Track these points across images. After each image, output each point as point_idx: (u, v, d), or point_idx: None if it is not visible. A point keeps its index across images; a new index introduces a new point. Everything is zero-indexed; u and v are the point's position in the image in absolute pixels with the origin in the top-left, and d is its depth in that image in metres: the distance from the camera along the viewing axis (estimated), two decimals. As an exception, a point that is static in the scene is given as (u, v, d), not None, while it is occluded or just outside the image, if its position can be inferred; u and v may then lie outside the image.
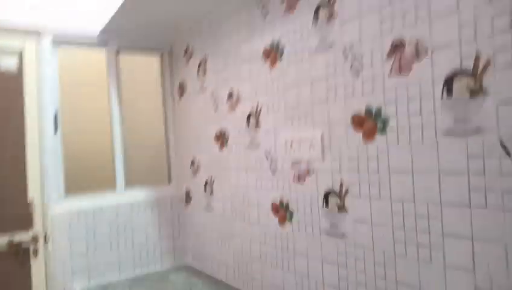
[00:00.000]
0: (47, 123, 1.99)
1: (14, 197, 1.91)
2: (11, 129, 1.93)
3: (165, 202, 2.28)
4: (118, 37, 2.20)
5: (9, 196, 1.91)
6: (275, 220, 1.59)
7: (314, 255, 1.40)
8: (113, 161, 2.21)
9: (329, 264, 1.34)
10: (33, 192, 1.95)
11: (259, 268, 1.69)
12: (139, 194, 2.22)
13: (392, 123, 1.11)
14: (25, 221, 1.93)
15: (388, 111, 1.12)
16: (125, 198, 2.17)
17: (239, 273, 1.82)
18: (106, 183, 2.20)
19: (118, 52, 2.23)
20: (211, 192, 2.04)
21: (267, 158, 1.62)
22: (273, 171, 1.59)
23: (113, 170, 2.21)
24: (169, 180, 2.38)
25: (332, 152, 1.31)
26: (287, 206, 1.52)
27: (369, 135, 1.19)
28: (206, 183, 2.08)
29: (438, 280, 1.01)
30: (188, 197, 2.29)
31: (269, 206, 1.62)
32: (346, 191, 1.26)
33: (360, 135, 1.21)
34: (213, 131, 2.00)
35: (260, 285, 1.69)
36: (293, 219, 1.50)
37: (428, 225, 1.03)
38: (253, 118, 1.70)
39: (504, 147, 0.86)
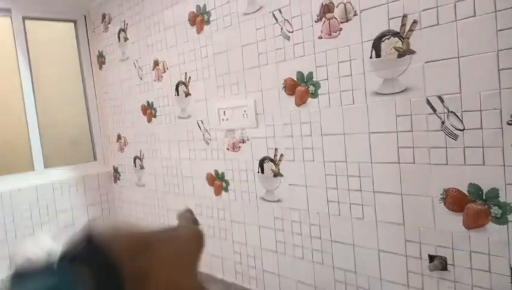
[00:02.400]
0: None
1: None
2: None
3: (91, 180, 2.14)
4: (23, 5, 1.95)
5: None
6: (210, 190, 1.57)
7: (251, 221, 1.41)
8: (28, 140, 2.00)
9: (267, 229, 1.35)
10: None
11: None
12: (61, 174, 2.06)
13: (323, 86, 1.12)
14: None
15: (319, 74, 1.12)
16: (46, 178, 2.00)
17: (176, 247, 1.79)
18: (23, 164, 2.00)
19: (24, 21, 1.98)
20: (141, 167, 1.95)
21: (199, 128, 1.57)
22: (207, 142, 1.55)
23: (29, 149, 2.01)
24: (95, 157, 2.23)
25: (265, 119, 1.30)
26: (223, 176, 1.50)
27: (301, 99, 1.19)
28: (135, 158, 1.98)
29: (370, 236, 1.07)
30: (116, 174, 2.17)
31: (204, 178, 1.59)
32: (281, 157, 1.26)
33: (292, 99, 1.21)
34: (139, 103, 1.88)
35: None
36: (229, 188, 1.49)
37: (360, 184, 1.07)
38: (182, 87, 1.62)
39: (430, 104, 0.91)
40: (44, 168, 2.03)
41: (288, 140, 1.23)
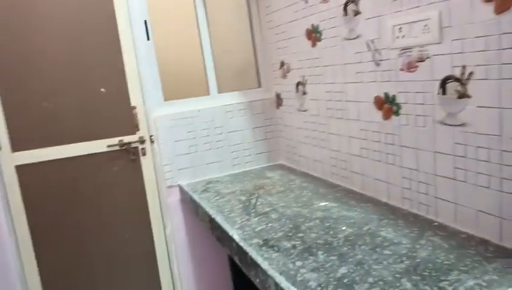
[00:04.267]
0: (138, 29, 2.04)
1: (119, 105, 2.05)
2: (105, 36, 2.00)
3: (256, 105, 2.30)
4: None
5: (115, 105, 2.05)
6: (378, 115, 1.52)
7: (425, 147, 1.33)
8: (204, 68, 2.23)
9: (444, 155, 1.26)
10: (135, 100, 2.07)
11: (359, 164, 1.68)
12: (231, 99, 2.26)
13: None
14: (131, 127, 2.08)
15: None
16: (219, 102, 2.23)
17: (337, 170, 1.83)
18: (200, 90, 2.26)
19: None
20: (304, 92, 1.99)
21: (369, 49, 1.50)
22: (377, 63, 1.48)
23: (205, 76, 2.24)
24: (259, 84, 2.37)
25: (452, 32, 1.16)
26: (393, 99, 1.43)
27: (502, 5, 1.01)
28: (297, 84, 2.04)
29: None
30: (279, 100, 2.28)
31: (371, 101, 1.54)
32: (470, 75, 1.13)
33: (490, 8, 1.04)
34: (304, 27, 1.88)
35: (361, 180, 1.69)
36: (400, 112, 1.41)
37: None
38: (351, 6, 1.55)
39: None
40: (218, 93, 2.26)
41: (481, 56, 1.08)
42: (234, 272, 2.20)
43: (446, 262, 1.07)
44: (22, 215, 1.95)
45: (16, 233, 1.95)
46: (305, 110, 2.02)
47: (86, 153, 2.03)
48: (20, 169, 1.94)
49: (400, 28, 1.34)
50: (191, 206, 1.99)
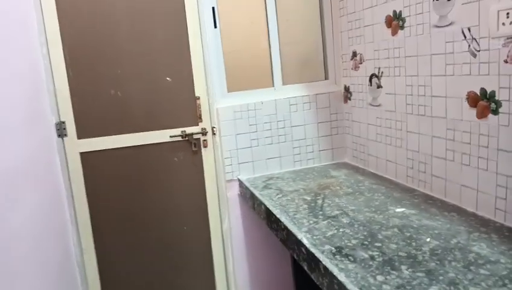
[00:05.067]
0: (206, 16, 1.98)
1: (184, 95, 2.01)
2: (173, 23, 1.96)
3: (322, 98, 2.16)
4: None
5: (180, 94, 2.01)
6: (471, 113, 1.34)
7: (531, 153, 1.14)
8: (270, 58, 2.13)
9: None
10: (199, 90, 2.01)
11: (442, 168, 1.50)
12: (295, 91, 2.14)
13: None
14: (194, 118, 2.03)
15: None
16: (283, 94, 2.12)
17: (414, 173, 1.66)
18: (263, 81, 2.16)
19: None
20: (378, 85, 1.83)
21: (464, 37, 1.32)
22: (473, 53, 1.29)
23: (270, 67, 2.14)
24: (326, 76, 2.23)
25: None
26: (492, 96, 1.24)
27: None
28: (371, 76, 1.87)
29: None
30: (347, 93, 2.12)
31: (463, 97, 1.36)
32: None
33: None
34: (384, 14, 1.72)
35: (443, 186, 1.51)
36: (500, 111, 1.23)
37: None
38: (445, -11, 1.37)
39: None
40: (282, 85, 2.15)
41: None
42: (298, 278, 2.09)
43: None
44: (84, 204, 1.97)
45: (78, 221, 1.98)
46: (378, 105, 1.85)
47: (149, 142, 2.01)
48: (85, 156, 1.96)
49: (508, 14, 1.15)
50: (251, 203, 1.90)
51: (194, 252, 2.16)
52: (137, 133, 1.99)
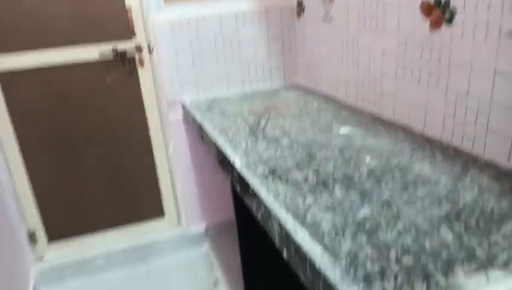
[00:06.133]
0: None
1: (113, 4, 1.76)
2: None
3: (273, 13, 1.96)
4: None
5: (108, 2, 1.75)
6: (424, 25, 1.21)
7: (481, 66, 1.05)
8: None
9: (506, 77, 0.98)
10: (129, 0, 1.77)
11: (392, 87, 1.40)
12: (244, 4, 1.93)
13: None
14: (127, 31, 1.81)
15: None
16: (229, 7, 1.90)
17: (365, 92, 1.56)
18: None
19: None
20: (331, -3, 1.65)
21: None
22: (432, -48, 1.13)
23: (215, -27, 1.89)
24: (278, -13, 2.01)
25: None
26: (447, 4, 1.11)
27: None
28: (325, -15, 1.68)
29: None
30: (300, 8, 1.93)
31: (417, 7, 1.22)
32: None
33: None
34: None
35: (392, 105, 1.42)
36: (454, 21, 1.10)
37: None
38: None
39: None
40: (228, -3, 1.93)
41: None
42: (237, 202, 2.05)
43: (499, 210, 0.84)
44: (8, 128, 1.77)
45: (4, 147, 1.79)
46: (330, 21, 1.69)
47: (75, 61, 1.78)
48: (3, 78, 1.72)
49: None
50: (194, 127, 1.78)
51: (138, 178, 2.06)
52: (60, 49, 1.75)
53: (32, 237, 1.93)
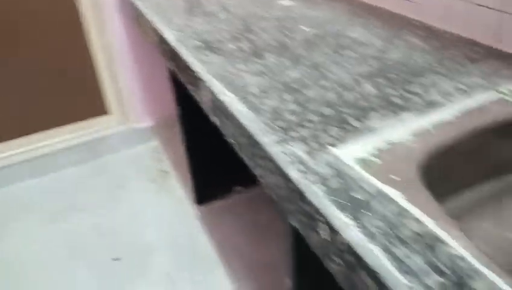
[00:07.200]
0: None
1: None
2: None
3: None
4: None
5: None
6: None
7: None
8: None
9: None
10: None
11: (334, -49, 1.31)
12: None
13: None
14: None
15: None
16: None
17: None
18: None
19: None
20: None
21: None
22: None
23: None
24: None
25: None
26: None
27: None
28: None
29: None
30: None
31: None
32: None
33: None
34: None
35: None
36: None
37: None
38: None
39: None
40: None
41: None
42: (177, 91, 2.01)
43: (421, 64, 0.86)
44: None
45: None
46: None
47: None
48: None
49: None
50: (131, 11, 1.65)
51: (74, 71, 1.94)
52: None
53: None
